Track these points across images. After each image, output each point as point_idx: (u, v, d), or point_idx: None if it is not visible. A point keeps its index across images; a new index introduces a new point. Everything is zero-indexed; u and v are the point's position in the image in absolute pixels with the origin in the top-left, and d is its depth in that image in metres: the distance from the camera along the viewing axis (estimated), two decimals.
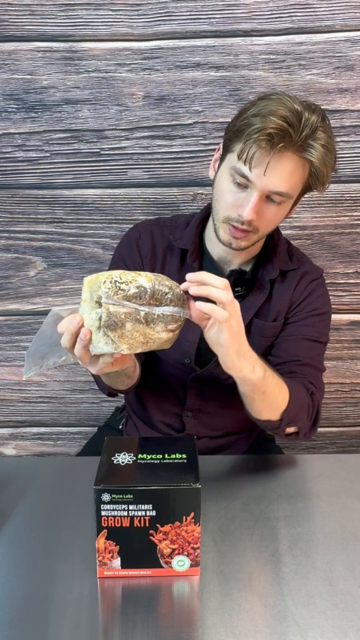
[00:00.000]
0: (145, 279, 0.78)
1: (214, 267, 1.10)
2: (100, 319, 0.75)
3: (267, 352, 1.12)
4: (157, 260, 1.12)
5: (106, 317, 0.75)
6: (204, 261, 1.11)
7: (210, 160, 1.08)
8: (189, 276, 0.81)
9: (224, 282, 0.80)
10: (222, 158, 1.01)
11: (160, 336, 0.79)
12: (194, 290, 0.80)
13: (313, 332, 1.10)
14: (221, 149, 1.03)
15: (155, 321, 0.78)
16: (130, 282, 0.76)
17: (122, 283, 0.76)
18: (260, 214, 0.96)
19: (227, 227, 0.99)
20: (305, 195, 1.39)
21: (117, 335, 0.76)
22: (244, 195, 0.96)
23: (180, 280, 1.10)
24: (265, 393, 0.93)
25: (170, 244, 1.12)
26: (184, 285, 0.82)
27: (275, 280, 1.10)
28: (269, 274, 1.08)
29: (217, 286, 0.79)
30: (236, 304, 0.81)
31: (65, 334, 0.78)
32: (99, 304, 0.76)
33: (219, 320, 0.80)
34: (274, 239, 1.11)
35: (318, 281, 1.13)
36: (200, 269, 1.10)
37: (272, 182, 0.94)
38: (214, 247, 1.09)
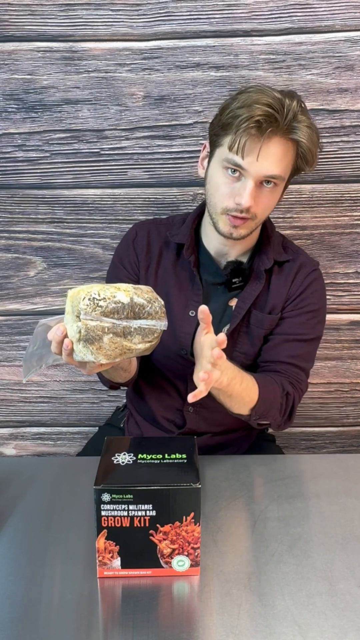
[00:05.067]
0: (124, 294, 0.81)
1: (211, 261, 1.14)
2: (80, 332, 0.79)
3: (264, 341, 1.15)
4: (152, 256, 1.15)
5: (85, 331, 0.79)
6: (200, 255, 1.15)
7: None
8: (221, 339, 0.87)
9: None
10: (210, 154, 1.05)
11: (138, 347, 0.83)
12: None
13: (304, 330, 1.13)
14: (208, 147, 1.07)
15: (132, 334, 0.82)
16: (109, 298, 0.80)
17: (100, 299, 0.79)
18: (256, 199, 1.01)
19: (226, 218, 1.03)
20: (305, 195, 1.39)
21: (95, 348, 0.80)
22: (239, 184, 1.00)
23: (176, 272, 1.14)
24: (232, 396, 1.00)
25: (166, 240, 1.16)
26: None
27: (272, 271, 1.13)
28: (263, 264, 1.12)
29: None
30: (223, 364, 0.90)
31: (52, 342, 0.84)
32: (79, 318, 0.79)
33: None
34: (267, 231, 1.14)
35: (314, 274, 1.15)
36: (197, 262, 1.14)
37: (265, 167, 0.98)
38: (211, 242, 1.13)
